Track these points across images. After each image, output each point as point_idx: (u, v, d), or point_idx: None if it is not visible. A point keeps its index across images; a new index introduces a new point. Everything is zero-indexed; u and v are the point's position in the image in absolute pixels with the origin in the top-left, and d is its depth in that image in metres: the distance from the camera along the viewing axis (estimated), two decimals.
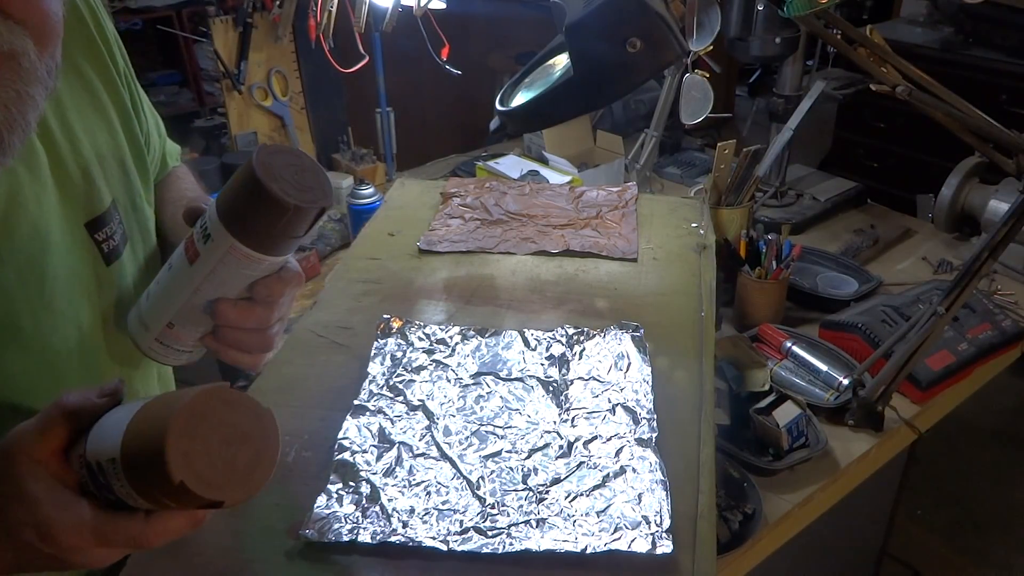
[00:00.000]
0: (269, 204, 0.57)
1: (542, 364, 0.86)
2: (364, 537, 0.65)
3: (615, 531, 0.66)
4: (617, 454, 0.74)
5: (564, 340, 0.89)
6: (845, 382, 1.20)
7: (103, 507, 0.51)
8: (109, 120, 0.76)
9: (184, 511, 0.51)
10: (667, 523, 0.66)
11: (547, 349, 0.88)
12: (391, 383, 0.83)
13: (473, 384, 0.83)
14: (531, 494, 0.70)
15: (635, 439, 0.75)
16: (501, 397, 0.81)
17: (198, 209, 0.66)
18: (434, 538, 0.65)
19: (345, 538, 0.65)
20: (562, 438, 0.76)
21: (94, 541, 0.50)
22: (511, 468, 0.73)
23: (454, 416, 0.79)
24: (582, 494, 0.70)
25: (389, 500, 0.69)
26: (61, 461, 0.52)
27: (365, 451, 0.74)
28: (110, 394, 0.55)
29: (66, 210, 0.69)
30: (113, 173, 0.76)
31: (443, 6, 1.58)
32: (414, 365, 0.85)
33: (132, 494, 0.49)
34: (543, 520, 0.67)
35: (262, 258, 0.61)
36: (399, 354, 0.87)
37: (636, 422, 0.77)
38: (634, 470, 0.72)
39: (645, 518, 0.67)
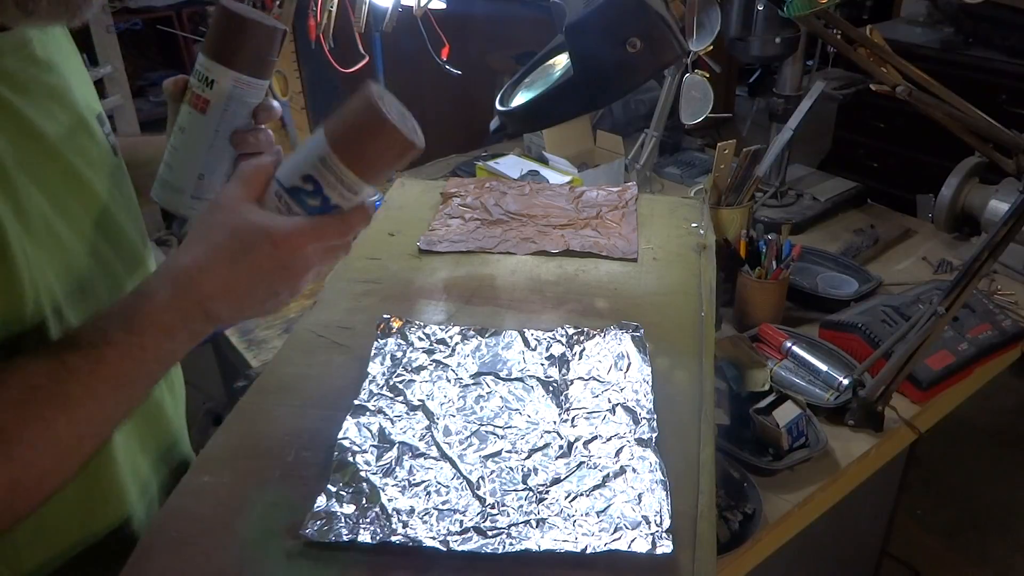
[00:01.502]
0: (254, 31, 0.70)
1: (542, 364, 0.86)
2: (364, 537, 0.65)
3: (615, 531, 0.66)
4: (617, 454, 0.74)
5: (564, 340, 0.89)
6: (845, 382, 1.20)
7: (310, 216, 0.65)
8: (76, 57, 0.80)
9: (363, 208, 0.67)
10: (667, 523, 0.66)
11: (547, 349, 0.88)
12: (391, 383, 0.83)
13: (473, 384, 0.83)
14: (531, 494, 0.70)
15: (635, 439, 0.75)
16: (501, 397, 0.81)
17: (179, 79, 0.77)
18: (434, 538, 0.65)
19: (345, 538, 0.65)
20: (562, 438, 0.76)
21: (312, 236, 0.64)
22: (511, 468, 0.73)
23: (454, 416, 0.79)
24: (582, 494, 0.70)
25: (389, 500, 0.69)
26: (262, 206, 0.66)
27: (365, 451, 0.74)
28: (275, 154, 0.71)
29: (83, 101, 0.75)
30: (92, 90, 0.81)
31: (443, 6, 1.58)
32: (414, 365, 0.85)
33: (342, 176, 0.63)
34: (543, 520, 0.67)
35: (258, 82, 0.72)
36: (399, 354, 0.87)
37: (636, 422, 0.77)
38: (634, 470, 0.72)
39: (645, 518, 0.67)
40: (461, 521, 0.67)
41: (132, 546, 0.66)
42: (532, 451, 0.75)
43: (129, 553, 0.65)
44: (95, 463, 0.70)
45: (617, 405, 0.79)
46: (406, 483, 0.71)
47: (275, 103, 0.77)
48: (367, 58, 1.71)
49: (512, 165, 1.74)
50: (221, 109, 0.72)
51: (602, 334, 0.89)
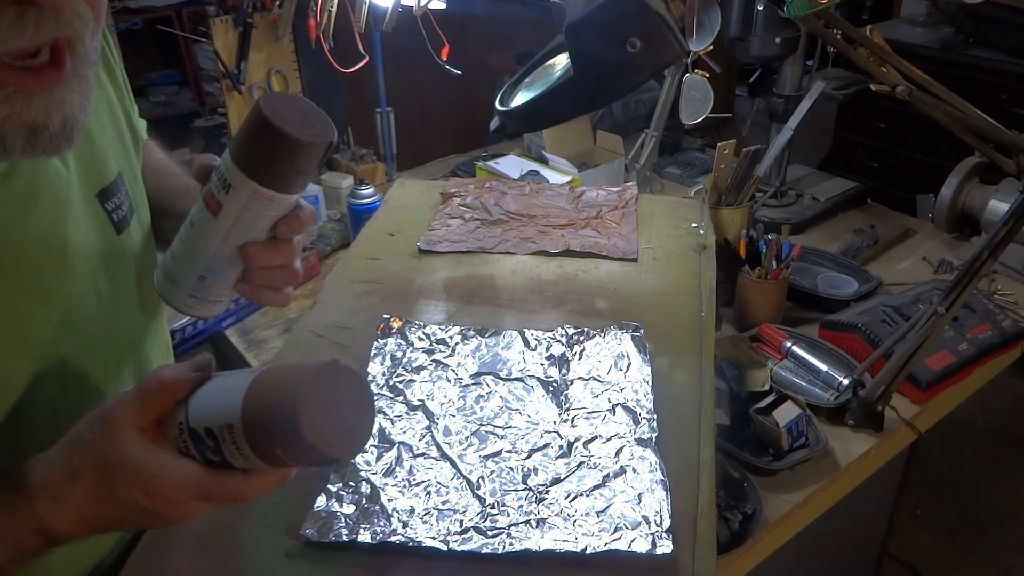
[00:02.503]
0: (284, 144, 0.61)
1: (542, 364, 0.86)
2: (364, 537, 0.65)
3: (615, 531, 0.66)
4: (617, 454, 0.74)
5: (564, 340, 0.89)
6: (845, 382, 1.20)
7: (204, 467, 0.56)
8: (108, 96, 0.78)
9: (277, 470, 0.56)
10: (667, 523, 0.66)
11: (547, 349, 0.88)
12: (391, 383, 0.83)
13: (473, 384, 0.83)
14: (531, 494, 0.70)
15: (635, 439, 0.75)
16: (501, 397, 0.81)
17: (208, 166, 0.70)
18: (434, 538, 0.65)
19: (345, 538, 0.65)
20: (562, 438, 0.76)
21: (197, 495, 0.55)
22: (511, 468, 0.73)
23: (454, 416, 0.79)
24: (582, 494, 0.70)
25: (389, 500, 0.69)
26: (159, 429, 0.56)
27: (365, 451, 0.74)
28: (202, 368, 0.58)
29: (80, 180, 0.71)
30: (115, 145, 0.77)
31: (443, 6, 1.58)
32: (414, 365, 0.85)
33: (247, 455, 0.53)
34: (543, 520, 0.67)
35: (283, 197, 0.64)
36: (399, 354, 0.87)
37: (636, 422, 0.77)
38: (634, 470, 0.72)
39: (645, 518, 0.67)
40: (461, 521, 0.67)
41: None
42: (532, 451, 0.75)
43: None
44: None
45: (617, 405, 0.79)
46: (406, 483, 0.71)
47: (307, 210, 0.68)
48: (367, 58, 1.71)
49: (512, 165, 1.74)
50: (233, 217, 0.64)
51: (602, 334, 0.89)
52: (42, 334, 0.65)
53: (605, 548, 0.64)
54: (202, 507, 0.56)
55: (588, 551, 0.64)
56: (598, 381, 0.83)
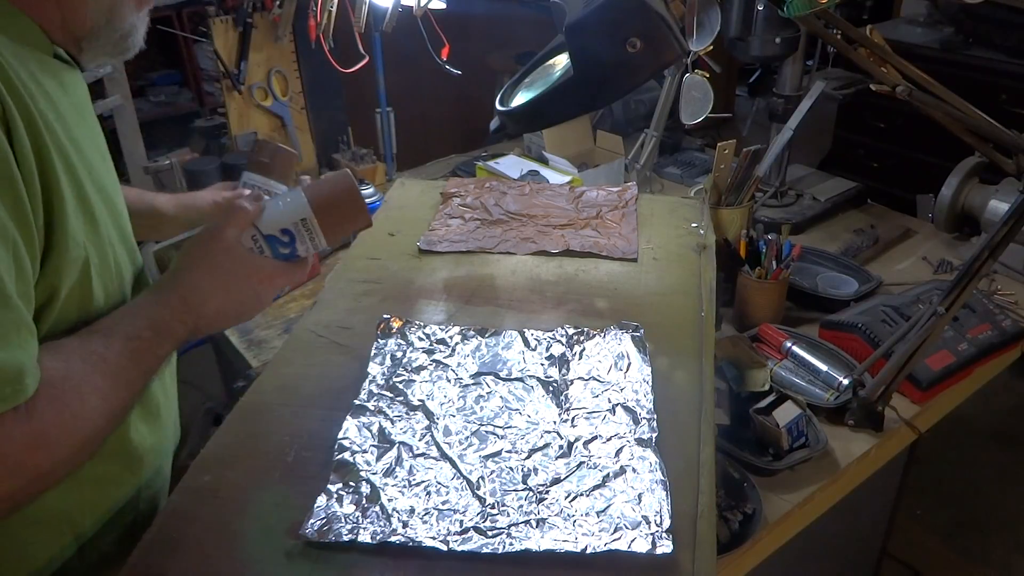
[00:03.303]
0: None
1: (542, 364, 0.86)
2: (364, 537, 0.65)
3: (615, 531, 0.66)
4: (617, 454, 0.74)
5: (564, 340, 0.89)
6: (845, 382, 1.20)
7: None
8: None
9: (311, 265, 0.85)
10: (667, 523, 0.66)
11: (547, 349, 0.88)
12: (391, 383, 0.83)
13: (473, 384, 0.83)
14: (531, 494, 0.70)
15: (635, 439, 0.75)
16: (501, 397, 0.81)
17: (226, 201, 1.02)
18: (434, 538, 0.65)
19: (345, 538, 0.65)
20: (562, 438, 0.76)
21: (285, 278, 0.81)
22: (511, 468, 0.73)
23: (454, 416, 0.79)
24: (582, 494, 0.70)
25: (389, 500, 0.69)
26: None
27: (365, 451, 0.74)
28: (257, 199, 0.83)
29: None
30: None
31: (443, 6, 1.58)
32: (414, 365, 0.85)
33: (316, 237, 0.81)
34: (543, 520, 0.67)
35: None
36: (399, 354, 0.87)
37: (636, 422, 0.77)
38: (634, 470, 0.72)
39: (645, 518, 0.67)
40: (461, 521, 0.67)
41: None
42: (532, 451, 0.75)
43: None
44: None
45: (617, 405, 0.79)
46: (406, 483, 0.71)
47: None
48: (367, 58, 1.71)
49: (512, 165, 1.74)
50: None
51: (602, 334, 0.89)
52: (100, 217, 0.74)
53: (605, 548, 0.64)
54: (278, 287, 0.82)
55: (588, 551, 0.64)
56: (598, 381, 0.83)
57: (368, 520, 0.67)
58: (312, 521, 0.66)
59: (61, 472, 0.64)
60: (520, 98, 0.98)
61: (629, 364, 0.85)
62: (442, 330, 0.90)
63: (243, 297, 0.78)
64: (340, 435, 0.75)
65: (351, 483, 0.70)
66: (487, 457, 0.74)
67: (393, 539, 0.65)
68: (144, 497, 0.81)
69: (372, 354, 0.86)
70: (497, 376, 0.84)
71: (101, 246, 0.72)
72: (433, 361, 0.86)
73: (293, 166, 1.04)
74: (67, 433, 0.62)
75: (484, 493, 0.70)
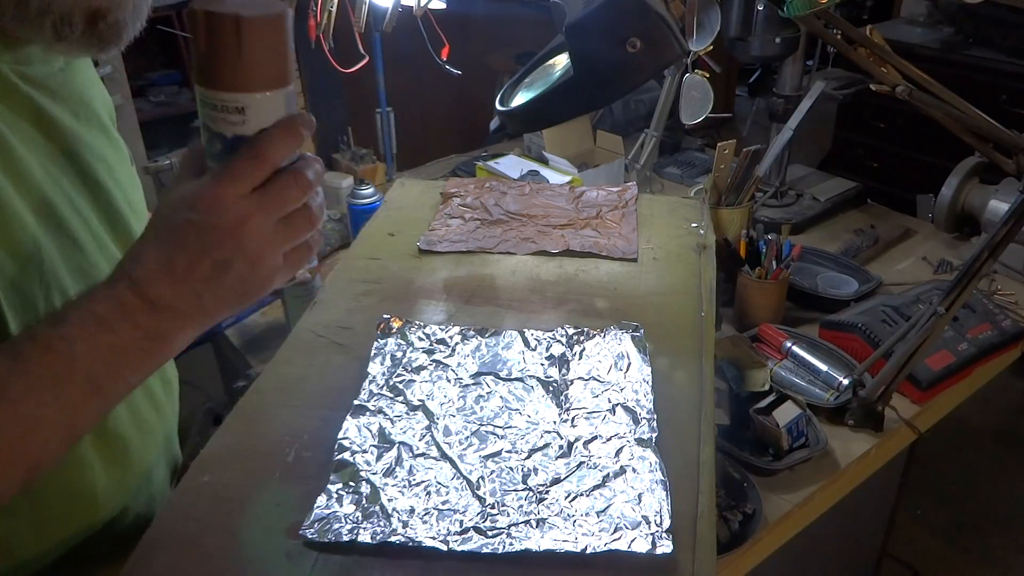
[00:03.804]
0: (220, 26, 0.55)
1: (542, 364, 0.86)
2: (364, 537, 0.65)
3: (615, 531, 0.66)
4: (617, 454, 0.74)
5: (564, 340, 0.89)
6: (845, 382, 1.20)
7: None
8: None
9: (278, 133, 0.57)
10: (667, 523, 0.66)
11: (547, 349, 0.88)
12: (391, 383, 0.83)
13: (473, 384, 0.83)
14: (531, 494, 0.70)
15: (635, 439, 0.75)
16: (501, 397, 0.81)
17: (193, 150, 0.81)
18: (434, 538, 0.65)
19: (345, 538, 0.65)
20: (562, 438, 0.76)
21: (226, 180, 0.56)
22: (511, 468, 0.73)
23: (454, 416, 0.79)
24: (582, 494, 0.70)
25: (389, 500, 0.69)
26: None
27: (365, 451, 0.74)
28: None
29: (101, 101, 0.80)
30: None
31: (443, 6, 1.57)
32: (414, 365, 0.85)
33: (215, 100, 0.56)
34: (543, 520, 0.67)
35: (247, 97, 0.57)
36: (399, 354, 0.87)
37: (636, 422, 0.77)
38: (634, 470, 0.72)
39: (645, 518, 0.67)
40: (461, 521, 0.67)
41: (130, 538, 0.66)
42: (532, 451, 0.75)
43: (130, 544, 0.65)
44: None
45: (617, 405, 0.79)
46: (406, 483, 0.71)
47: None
48: (367, 58, 1.71)
49: (512, 165, 1.74)
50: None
51: (602, 334, 0.89)
52: (90, 222, 0.71)
53: (605, 548, 0.64)
54: (242, 199, 0.56)
55: (588, 551, 0.64)
56: (598, 381, 0.83)
57: (368, 520, 0.67)
58: (312, 521, 0.66)
59: None
60: (520, 98, 0.98)
61: (629, 364, 0.85)
62: (442, 330, 0.90)
63: (187, 238, 0.56)
64: (340, 435, 0.75)
65: (351, 483, 0.70)
66: (487, 457, 0.74)
67: (393, 539, 0.65)
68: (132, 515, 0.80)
69: (372, 354, 0.86)
70: (497, 376, 0.84)
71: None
72: (433, 361, 0.86)
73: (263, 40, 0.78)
74: None
75: (484, 493, 0.70)
